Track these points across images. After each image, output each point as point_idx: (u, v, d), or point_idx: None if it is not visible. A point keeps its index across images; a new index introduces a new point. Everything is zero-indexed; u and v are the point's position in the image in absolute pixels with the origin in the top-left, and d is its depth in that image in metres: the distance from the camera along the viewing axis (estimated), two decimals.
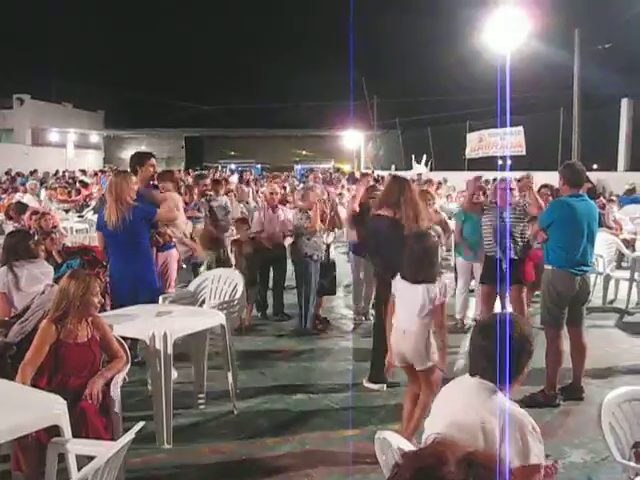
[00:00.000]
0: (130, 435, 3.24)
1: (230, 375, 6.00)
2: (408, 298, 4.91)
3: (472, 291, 9.09)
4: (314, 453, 5.18)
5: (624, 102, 22.68)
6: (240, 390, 6.31)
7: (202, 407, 6.02)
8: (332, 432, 5.55)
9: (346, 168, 41.46)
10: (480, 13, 21.80)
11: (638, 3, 25.13)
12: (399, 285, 5.01)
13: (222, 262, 8.79)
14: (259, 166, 48.38)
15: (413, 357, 4.92)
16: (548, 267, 6.33)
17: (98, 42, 54.98)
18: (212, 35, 58.69)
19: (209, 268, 8.46)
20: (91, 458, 3.11)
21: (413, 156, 26.20)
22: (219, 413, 5.93)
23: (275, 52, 57.37)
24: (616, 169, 22.74)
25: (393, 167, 33.39)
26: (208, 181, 9.96)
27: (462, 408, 2.73)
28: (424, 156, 25.84)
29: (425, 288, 4.82)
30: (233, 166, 47.08)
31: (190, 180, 14.02)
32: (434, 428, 2.72)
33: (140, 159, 7.35)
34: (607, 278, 10.28)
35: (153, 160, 7.40)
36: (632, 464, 3.36)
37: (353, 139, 39.00)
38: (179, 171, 27.16)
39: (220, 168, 41.07)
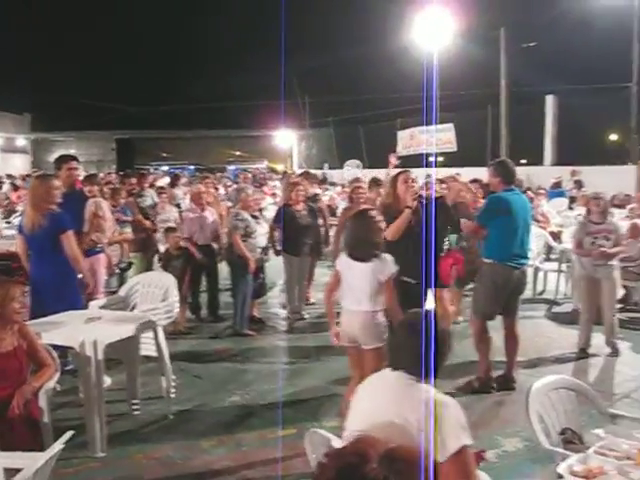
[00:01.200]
0: (59, 445, 3.17)
1: (164, 379, 5.92)
2: (357, 277, 4.97)
3: None
4: (250, 454, 5.16)
5: (549, 99, 23.22)
6: (175, 394, 6.26)
7: (136, 413, 5.91)
8: (268, 432, 5.53)
9: (279, 168, 41.41)
10: (408, 11, 22.06)
11: (561, 3, 25.81)
12: (346, 264, 5.05)
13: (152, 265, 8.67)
14: (192, 167, 47.91)
15: (362, 336, 4.96)
16: (488, 261, 6.46)
17: (20, 43, 53.60)
18: (141, 35, 57.83)
19: (140, 272, 8.32)
20: (19, 470, 3.03)
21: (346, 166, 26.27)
22: (153, 418, 5.85)
23: (206, 52, 56.88)
24: (542, 163, 23.26)
25: (326, 166, 33.50)
26: (134, 180, 9.83)
27: (386, 403, 2.75)
28: (355, 161, 25.94)
29: (373, 265, 4.93)
30: (165, 168, 46.54)
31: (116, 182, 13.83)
32: (356, 425, 2.72)
33: (58, 163, 7.23)
34: (536, 270, 10.51)
35: (72, 163, 7.25)
36: (559, 450, 3.43)
37: (286, 139, 39.00)
38: (109, 174, 26.71)
39: (152, 170, 40.50)
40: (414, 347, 2.84)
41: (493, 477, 4.47)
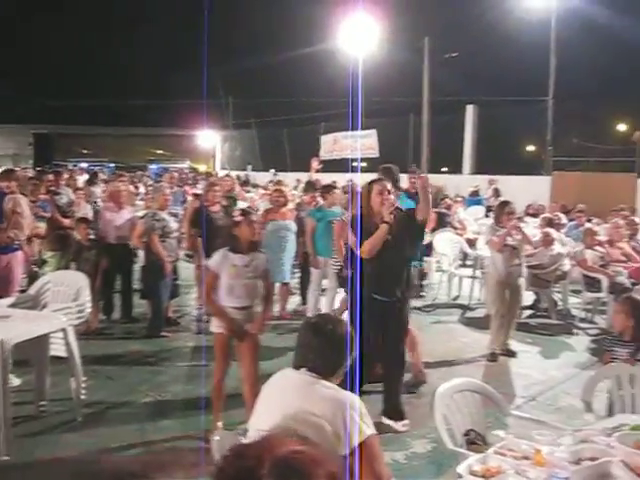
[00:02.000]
0: None
1: (74, 380, 5.79)
2: (240, 271, 5.32)
3: (324, 290, 9.17)
4: (160, 457, 5.11)
5: (469, 108, 23.73)
6: (86, 395, 6.10)
7: (44, 414, 5.77)
8: (180, 434, 5.48)
9: (202, 168, 41.02)
10: (334, 16, 22.20)
11: (484, 16, 26.43)
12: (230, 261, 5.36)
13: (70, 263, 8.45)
14: (112, 165, 46.97)
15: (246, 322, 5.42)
16: None
17: None
18: (62, 27, 56.33)
19: (58, 269, 8.10)
20: None
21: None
22: (62, 420, 5.72)
23: (130, 49, 55.82)
24: (462, 172, 23.75)
25: (249, 167, 33.41)
26: (51, 176, 9.60)
27: (291, 400, 2.78)
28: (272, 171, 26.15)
29: (253, 257, 5.41)
30: (84, 165, 45.49)
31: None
32: (260, 425, 2.73)
33: None
34: (451, 276, 10.74)
35: None
36: (461, 450, 3.51)
37: (209, 139, 38.64)
38: (25, 169, 25.95)
39: (71, 167, 39.52)
40: (317, 346, 2.90)
41: (400, 478, 4.58)
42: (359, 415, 2.69)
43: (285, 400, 2.80)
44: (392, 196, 5.70)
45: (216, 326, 5.48)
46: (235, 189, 13.13)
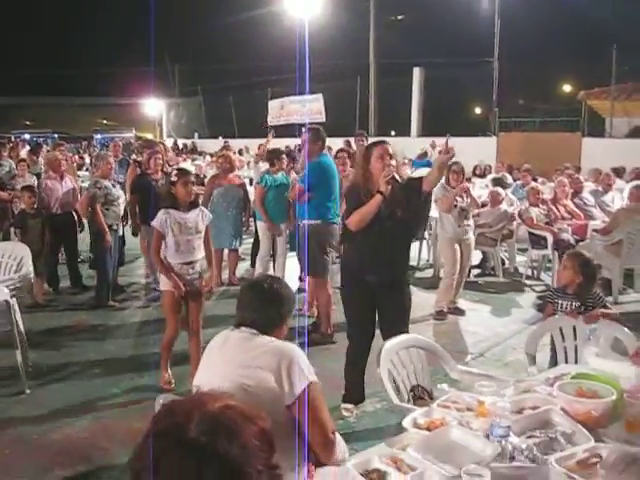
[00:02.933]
0: None
1: (19, 353, 5.68)
2: (182, 228, 5.55)
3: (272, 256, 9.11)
4: (110, 426, 5.06)
5: (416, 71, 23.69)
6: (32, 369, 6.04)
7: None
8: (129, 403, 5.45)
9: (148, 137, 40.40)
10: None
11: None
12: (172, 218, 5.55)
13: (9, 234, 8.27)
14: (56, 136, 45.99)
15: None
16: (315, 222, 6.89)
17: None
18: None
19: None
20: None
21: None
22: (9, 393, 5.63)
23: (74, 16, 54.31)
24: (410, 135, 23.80)
25: (196, 135, 33.02)
26: None
27: (231, 357, 2.79)
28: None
29: (192, 214, 5.64)
30: (27, 136, 44.42)
31: None
32: (202, 382, 2.72)
33: None
34: None
35: None
36: (407, 405, 3.55)
37: (154, 107, 37.98)
38: None
39: (13, 139, 38.55)
40: (253, 303, 2.94)
41: (351, 436, 4.61)
42: (302, 363, 2.70)
43: (226, 356, 2.81)
44: (394, 162, 4.90)
45: (165, 284, 5.62)
46: (168, 156, 12.94)
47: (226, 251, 9.40)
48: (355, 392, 5.25)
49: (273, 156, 8.85)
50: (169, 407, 1.49)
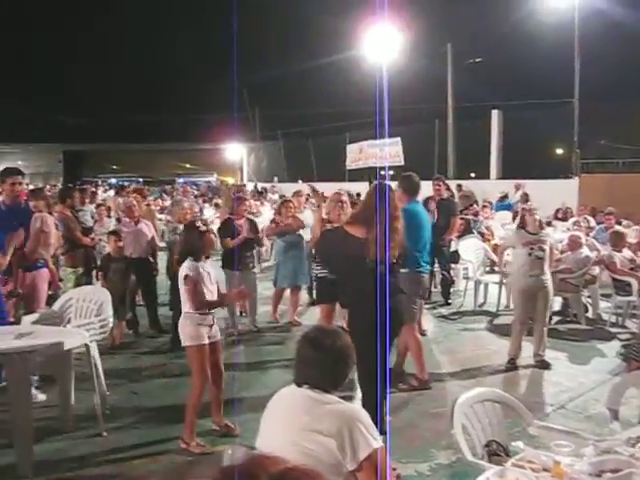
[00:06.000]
0: None
1: (97, 396, 5.80)
2: (209, 278, 5.50)
3: None
4: (183, 473, 5.06)
5: (494, 113, 23.56)
6: (110, 411, 6.12)
7: (69, 431, 5.76)
8: (204, 449, 5.45)
9: (229, 181, 41.19)
10: (358, 25, 22.24)
11: (505, 20, 26.27)
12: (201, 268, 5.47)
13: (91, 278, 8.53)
14: (140, 180, 47.40)
15: None
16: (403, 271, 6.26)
17: None
18: (92, 49, 57.05)
19: (77, 286, 8.15)
20: None
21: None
22: (86, 435, 5.71)
23: (156, 66, 56.31)
24: (489, 177, 23.57)
25: (275, 179, 33.50)
26: (76, 194, 9.65)
27: (295, 419, 2.75)
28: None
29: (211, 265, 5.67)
30: (113, 180, 45.98)
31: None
32: (267, 444, 2.70)
33: (1, 176, 7.11)
34: (477, 283, 10.61)
35: (17, 178, 7.13)
36: (481, 462, 3.44)
37: (235, 152, 38.81)
38: (54, 186, 26.28)
39: (100, 183, 39.93)
40: (317, 362, 2.87)
41: None
42: (365, 428, 2.65)
43: (289, 418, 2.78)
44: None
45: (191, 338, 5.41)
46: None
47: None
48: None
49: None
50: (230, 470, 1.48)
